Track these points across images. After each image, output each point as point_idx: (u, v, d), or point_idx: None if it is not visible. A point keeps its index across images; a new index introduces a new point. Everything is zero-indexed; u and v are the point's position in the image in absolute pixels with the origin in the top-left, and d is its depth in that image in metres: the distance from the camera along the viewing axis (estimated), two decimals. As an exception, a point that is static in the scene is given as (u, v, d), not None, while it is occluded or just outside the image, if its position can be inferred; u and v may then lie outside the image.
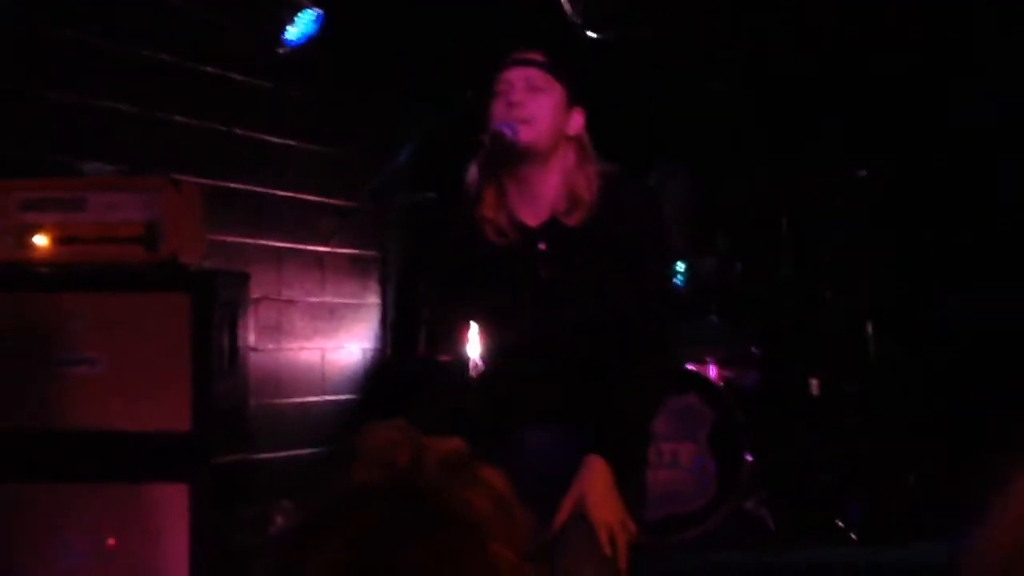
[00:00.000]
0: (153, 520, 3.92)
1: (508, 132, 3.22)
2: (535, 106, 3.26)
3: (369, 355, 6.19)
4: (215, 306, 4.09)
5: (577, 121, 3.34)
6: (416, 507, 1.34)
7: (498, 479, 1.41)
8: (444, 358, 3.33)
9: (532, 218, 3.33)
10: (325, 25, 5.60)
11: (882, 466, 5.97)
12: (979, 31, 6.16)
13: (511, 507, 1.40)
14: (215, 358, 4.06)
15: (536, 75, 3.28)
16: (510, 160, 3.29)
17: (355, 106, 6.25)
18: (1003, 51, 6.09)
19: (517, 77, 3.28)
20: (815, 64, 6.34)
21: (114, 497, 3.92)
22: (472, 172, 3.35)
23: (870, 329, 6.01)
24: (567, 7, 6.04)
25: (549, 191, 3.32)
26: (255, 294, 5.12)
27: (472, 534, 1.34)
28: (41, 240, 4.00)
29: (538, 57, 3.32)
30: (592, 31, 6.03)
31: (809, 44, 6.33)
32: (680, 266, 5.98)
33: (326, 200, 6.03)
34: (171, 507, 3.91)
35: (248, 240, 5.58)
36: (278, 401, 5.67)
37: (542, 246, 3.31)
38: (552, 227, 3.31)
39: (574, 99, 3.33)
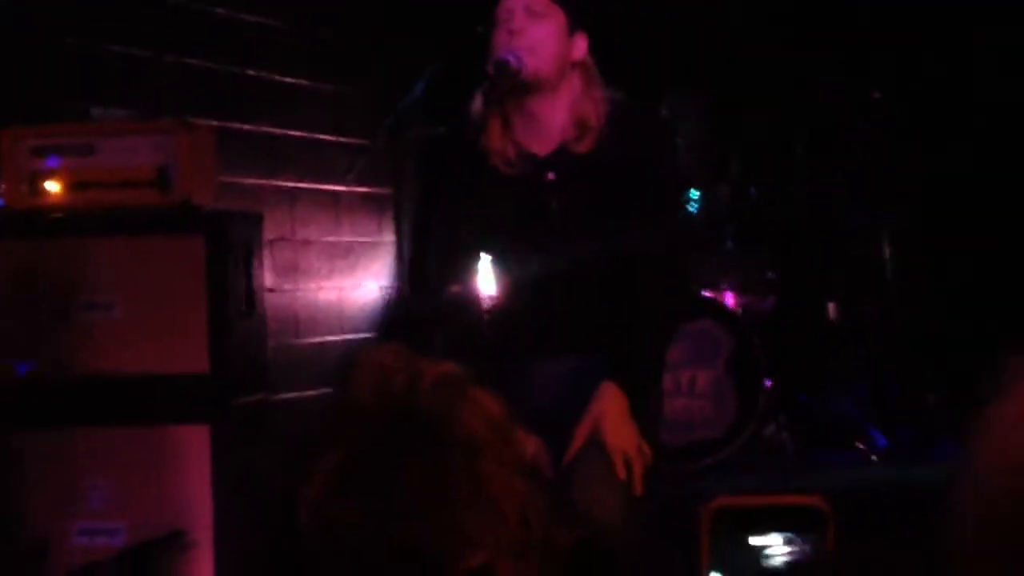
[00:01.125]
0: (175, 461, 3.95)
1: (513, 60, 3.21)
2: (536, 32, 3.23)
3: (386, 291, 6.21)
4: (230, 247, 4.10)
5: (580, 46, 3.31)
6: (409, 425, 1.39)
7: (492, 401, 1.45)
8: (455, 290, 3.33)
9: (540, 147, 3.32)
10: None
11: (902, 388, 5.98)
12: None
13: (504, 428, 1.44)
14: (231, 299, 4.07)
15: (536, 1, 3.26)
16: (516, 92, 3.27)
17: (367, 44, 6.24)
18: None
19: (517, 4, 3.26)
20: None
21: (135, 440, 3.95)
22: (476, 103, 3.33)
23: (887, 251, 6.00)
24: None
25: (557, 120, 3.30)
26: (270, 235, 5.13)
27: (463, 452, 1.39)
28: (53, 186, 4.01)
29: None
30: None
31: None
32: (694, 193, 5.96)
33: (340, 139, 6.03)
34: (193, 448, 3.94)
35: (262, 181, 5.59)
36: (297, 341, 5.69)
37: (551, 175, 3.30)
38: (561, 155, 3.30)
39: (576, 23, 3.30)
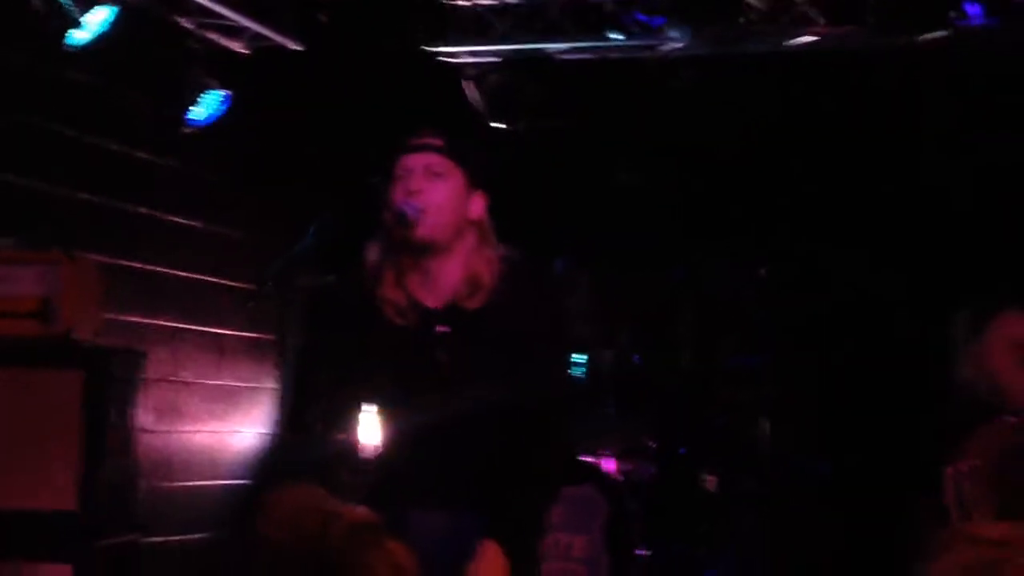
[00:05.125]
0: (36, 601, 3.84)
1: (410, 212, 3.21)
2: (434, 193, 3.24)
3: (264, 439, 6.14)
4: (108, 384, 4.05)
5: (478, 205, 3.33)
6: (319, 568, 1.37)
7: (401, 552, 1.45)
8: (338, 438, 3.29)
9: (432, 300, 3.32)
10: (232, 107, 5.60)
11: (776, 562, 5.99)
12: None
13: None
14: (105, 437, 4.00)
15: (435, 160, 3.27)
16: (411, 249, 3.28)
17: (259, 189, 6.24)
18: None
19: (416, 163, 3.26)
20: (721, 159, 6.42)
21: (-3, 576, 3.84)
22: (372, 252, 3.33)
23: (766, 425, 6.06)
24: (473, 98, 6.08)
25: (450, 276, 3.31)
26: (151, 374, 5.05)
27: None
28: (-69, 311, 3.94)
29: (437, 142, 3.30)
30: (498, 122, 6.08)
31: (715, 141, 6.42)
32: (579, 357, 5.99)
33: (226, 282, 5.99)
34: (55, 588, 3.84)
35: (145, 319, 5.52)
36: (170, 484, 5.58)
37: (441, 328, 3.30)
38: (452, 309, 3.30)
39: (475, 183, 3.32)
